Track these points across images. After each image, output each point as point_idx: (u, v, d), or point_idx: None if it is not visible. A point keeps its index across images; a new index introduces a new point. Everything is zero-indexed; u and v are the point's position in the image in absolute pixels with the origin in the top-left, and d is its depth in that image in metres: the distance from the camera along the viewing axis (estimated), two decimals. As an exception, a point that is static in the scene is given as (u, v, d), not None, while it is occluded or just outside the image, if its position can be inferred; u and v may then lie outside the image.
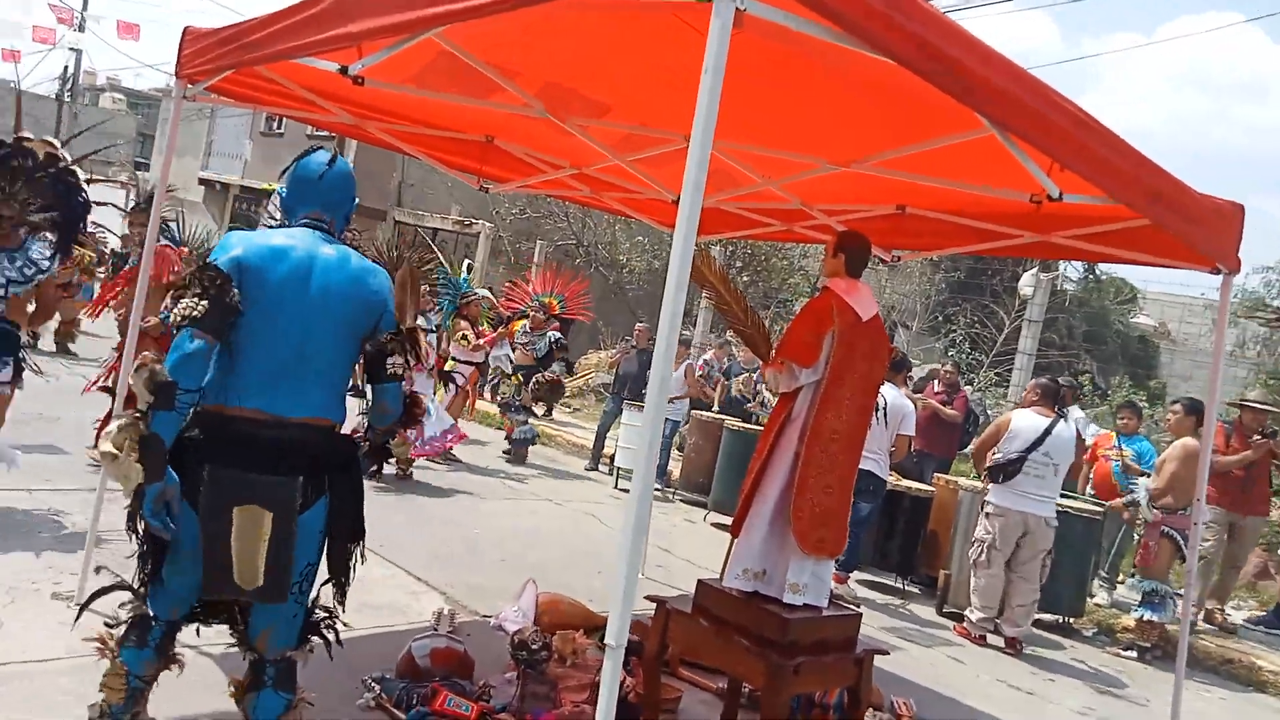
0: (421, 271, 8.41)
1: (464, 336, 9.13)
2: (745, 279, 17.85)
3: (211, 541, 2.53)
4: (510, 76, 4.11)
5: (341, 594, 2.83)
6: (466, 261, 9.85)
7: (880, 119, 3.84)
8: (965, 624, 6.46)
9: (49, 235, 4.97)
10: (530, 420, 10.17)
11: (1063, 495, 6.70)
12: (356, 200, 3.08)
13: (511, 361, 10.20)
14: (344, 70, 3.33)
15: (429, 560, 5.73)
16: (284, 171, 3.03)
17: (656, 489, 9.53)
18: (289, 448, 2.59)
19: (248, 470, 2.54)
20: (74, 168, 5.02)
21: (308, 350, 2.63)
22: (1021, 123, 2.94)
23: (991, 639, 6.37)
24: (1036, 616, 6.89)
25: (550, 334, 10.19)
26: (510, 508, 7.86)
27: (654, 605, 3.76)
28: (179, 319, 2.51)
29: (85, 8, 28.37)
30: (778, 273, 18.19)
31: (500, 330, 9.98)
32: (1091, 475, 8.20)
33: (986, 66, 2.77)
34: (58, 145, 5.02)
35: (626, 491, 9.31)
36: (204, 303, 2.50)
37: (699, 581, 3.70)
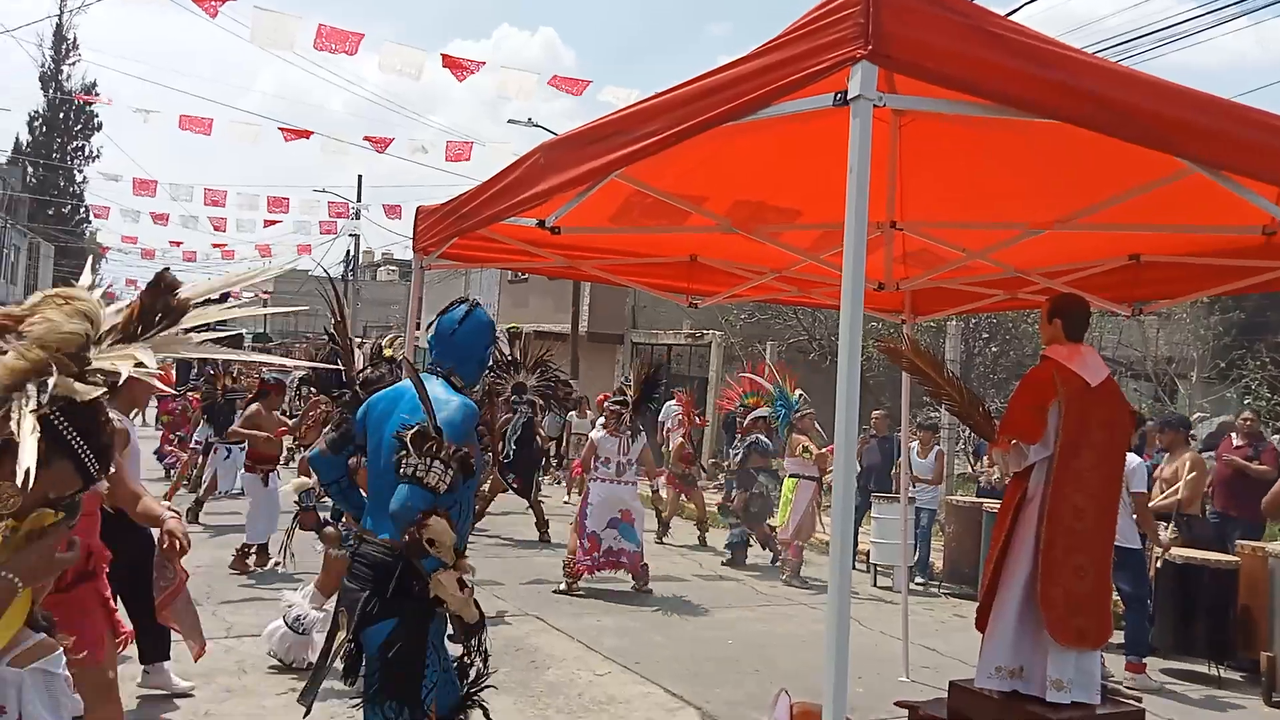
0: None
1: (805, 449, 9.31)
2: (994, 350, 16.94)
3: None
4: (698, 202, 4.33)
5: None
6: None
7: (1079, 174, 3.68)
8: (1301, 715, 5.56)
9: None
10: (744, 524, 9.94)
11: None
12: (490, 347, 3.30)
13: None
14: (541, 224, 3.68)
15: (686, 675, 5.77)
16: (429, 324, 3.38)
17: (919, 584, 9.07)
18: (366, 561, 2.92)
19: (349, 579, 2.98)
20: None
21: (389, 477, 2.86)
22: (1226, 155, 2.73)
23: (1339, 731, 5.43)
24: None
25: (751, 437, 10.01)
26: (765, 614, 7.76)
27: (907, 712, 3.59)
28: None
29: (359, 199, 32.58)
30: (1029, 339, 17.11)
31: None
32: None
33: (1173, 106, 2.62)
34: None
35: (887, 589, 8.93)
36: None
37: (951, 684, 3.51)
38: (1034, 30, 2.35)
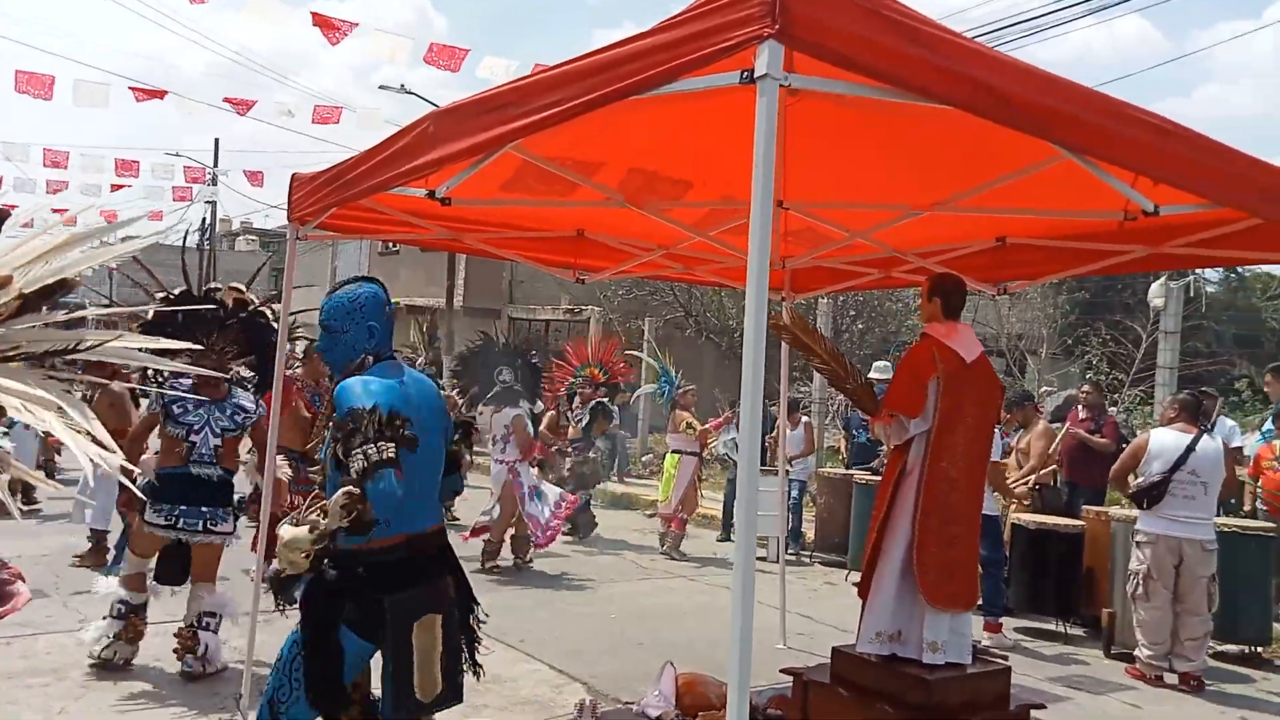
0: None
1: (689, 425, 9.42)
2: (860, 327, 17.58)
3: (399, 668, 2.74)
4: (591, 173, 4.28)
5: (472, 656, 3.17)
6: None
7: (956, 159, 3.82)
8: (1137, 664, 6.04)
9: (247, 382, 5.18)
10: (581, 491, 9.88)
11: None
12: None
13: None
14: (431, 194, 3.56)
15: (571, 650, 5.78)
16: (355, 312, 2.98)
17: (791, 554, 9.35)
18: (437, 555, 2.94)
19: (420, 585, 2.82)
20: (264, 309, 5.27)
21: (436, 465, 2.98)
22: (1095, 143, 2.88)
23: (1168, 678, 5.93)
24: (1219, 648, 6.40)
25: (594, 402, 10.11)
26: (646, 587, 7.86)
27: (791, 679, 3.70)
28: (372, 464, 2.53)
29: (216, 164, 30.86)
30: (894, 316, 17.88)
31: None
32: (1260, 490, 7.60)
33: (1046, 94, 2.74)
34: (244, 290, 5.31)
35: (762, 559, 9.18)
36: (392, 445, 2.56)
37: (834, 649, 3.63)
38: (929, 17, 2.41)
